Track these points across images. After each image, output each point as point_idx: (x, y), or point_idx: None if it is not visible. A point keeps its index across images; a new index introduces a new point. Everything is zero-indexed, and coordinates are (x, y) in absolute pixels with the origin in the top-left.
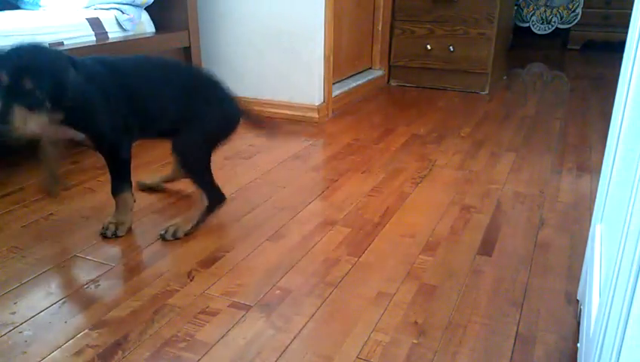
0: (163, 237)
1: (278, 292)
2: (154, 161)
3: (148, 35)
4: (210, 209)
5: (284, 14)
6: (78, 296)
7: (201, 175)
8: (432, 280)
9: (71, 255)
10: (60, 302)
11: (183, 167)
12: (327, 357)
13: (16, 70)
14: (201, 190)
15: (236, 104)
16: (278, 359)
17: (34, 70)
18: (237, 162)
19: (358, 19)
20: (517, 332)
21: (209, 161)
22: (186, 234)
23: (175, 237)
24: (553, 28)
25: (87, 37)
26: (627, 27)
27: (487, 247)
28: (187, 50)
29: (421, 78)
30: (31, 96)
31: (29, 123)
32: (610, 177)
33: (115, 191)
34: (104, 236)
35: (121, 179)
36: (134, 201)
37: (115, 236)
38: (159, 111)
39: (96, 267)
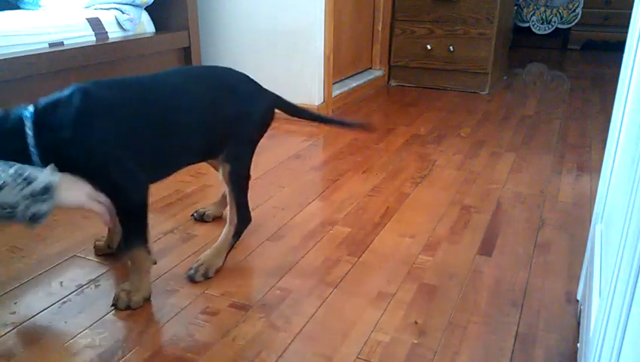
0: (192, 279)
1: (278, 292)
2: None
3: (148, 35)
4: (239, 232)
5: (284, 14)
6: (78, 296)
7: (245, 188)
8: (432, 280)
9: (71, 255)
10: (60, 302)
11: (233, 180)
12: (327, 357)
13: None
14: (236, 207)
15: (266, 94)
16: (278, 359)
17: None
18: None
19: (358, 19)
20: (517, 332)
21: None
22: (218, 270)
23: (207, 278)
24: (553, 28)
25: (87, 37)
26: (627, 27)
27: (487, 247)
28: (187, 50)
29: (421, 78)
30: None
31: None
32: (610, 177)
33: (124, 246)
34: (115, 307)
35: (130, 230)
36: (154, 262)
37: (129, 308)
38: (189, 138)
39: (96, 267)
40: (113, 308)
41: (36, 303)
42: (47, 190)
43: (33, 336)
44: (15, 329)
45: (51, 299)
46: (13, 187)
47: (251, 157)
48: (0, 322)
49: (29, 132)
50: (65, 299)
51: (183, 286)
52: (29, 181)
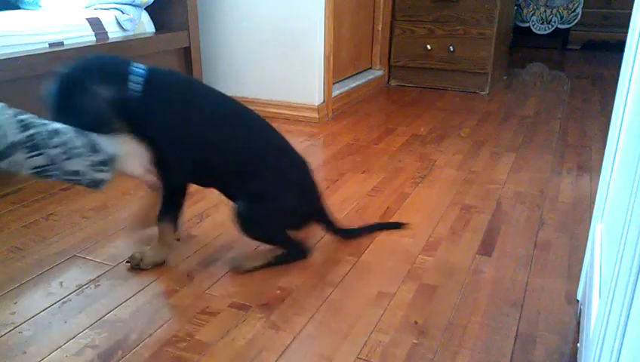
0: (233, 261)
1: (278, 292)
2: None
3: (148, 35)
4: (288, 259)
5: (285, 14)
6: (78, 296)
7: (271, 235)
8: (432, 280)
9: (71, 255)
10: (60, 302)
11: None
12: (327, 357)
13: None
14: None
15: (314, 199)
16: (278, 359)
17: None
18: None
19: (358, 19)
20: (517, 332)
21: (276, 229)
22: (247, 271)
23: (236, 269)
24: (553, 28)
25: (87, 37)
26: (627, 27)
27: (487, 247)
28: (187, 50)
29: (421, 78)
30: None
31: None
32: (610, 177)
33: (157, 217)
34: (129, 263)
35: (163, 205)
36: (177, 239)
37: (139, 268)
38: (219, 162)
39: (96, 267)
40: (129, 264)
41: (36, 303)
42: (109, 161)
43: (33, 336)
44: (15, 329)
45: (51, 299)
46: (83, 156)
47: (275, 228)
48: (0, 322)
49: (137, 82)
50: (65, 299)
51: (183, 286)
52: (97, 152)
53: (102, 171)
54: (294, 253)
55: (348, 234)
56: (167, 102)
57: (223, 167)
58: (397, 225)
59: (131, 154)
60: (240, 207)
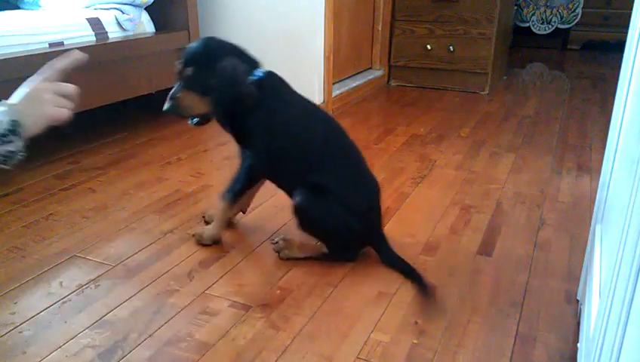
0: (275, 244)
1: (278, 292)
2: (154, 160)
3: (148, 35)
4: (332, 258)
5: (285, 14)
6: (78, 296)
7: (321, 232)
8: (432, 280)
9: (71, 255)
10: (60, 302)
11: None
12: (327, 357)
13: (189, 58)
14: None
15: (375, 221)
16: (278, 359)
17: (202, 61)
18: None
19: (358, 19)
20: (517, 332)
21: (332, 228)
22: (289, 259)
23: (278, 253)
24: (553, 28)
25: (87, 37)
26: (627, 27)
27: (487, 247)
28: None
29: (421, 78)
30: (192, 82)
31: (188, 104)
32: (610, 177)
33: (222, 196)
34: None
35: (229, 186)
36: (229, 219)
37: (201, 244)
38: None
39: (96, 267)
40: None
41: (36, 303)
42: (12, 129)
43: (33, 336)
44: (15, 329)
45: (51, 299)
46: None
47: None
48: (0, 322)
49: (253, 80)
50: (65, 299)
51: (183, 286)
52: None
53: (7, 142)
54: (340, 256)
55: (395, 265)
56: (266, 104)
57: (303, 167)
58: (425, 287)
59: (31, 101)
60: (303, 199)
